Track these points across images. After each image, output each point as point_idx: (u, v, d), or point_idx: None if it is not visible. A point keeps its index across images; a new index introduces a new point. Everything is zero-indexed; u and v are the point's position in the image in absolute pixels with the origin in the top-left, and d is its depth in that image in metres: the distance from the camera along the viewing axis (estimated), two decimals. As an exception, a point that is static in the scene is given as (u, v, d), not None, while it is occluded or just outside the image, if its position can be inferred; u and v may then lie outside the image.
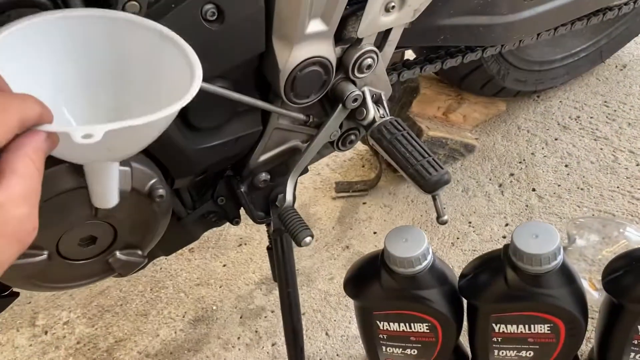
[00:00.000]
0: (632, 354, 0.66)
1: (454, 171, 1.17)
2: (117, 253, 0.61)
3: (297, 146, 0.73)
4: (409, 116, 1.15)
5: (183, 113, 0.59)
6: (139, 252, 0.63)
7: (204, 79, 0.57)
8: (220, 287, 1.07)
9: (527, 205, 1.06)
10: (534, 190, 1.08)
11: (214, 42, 0.56)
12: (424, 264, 0.65)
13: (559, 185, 1.07)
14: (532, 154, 1.15)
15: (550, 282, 0.62)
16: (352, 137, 0.75)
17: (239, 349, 0.96)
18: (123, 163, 0.55)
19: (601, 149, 1.12)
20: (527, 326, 0.65)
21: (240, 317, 1.01)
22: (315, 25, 0.59)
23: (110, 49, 0.49)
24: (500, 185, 1.11)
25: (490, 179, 1.13)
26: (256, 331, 0.98)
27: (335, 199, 1.20)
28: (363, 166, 1.27)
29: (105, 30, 0.48)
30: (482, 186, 1.12)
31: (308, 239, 0.67)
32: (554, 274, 0.61)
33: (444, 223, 0.68)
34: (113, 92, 0.50)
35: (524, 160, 1.15)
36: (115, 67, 0.49)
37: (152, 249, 0.71)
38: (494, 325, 0.67)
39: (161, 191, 0.58)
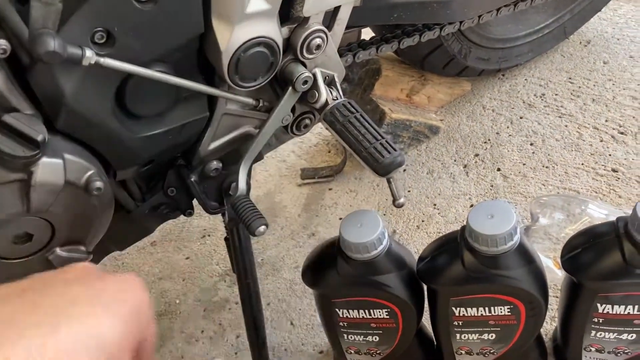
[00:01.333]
0: (593, 332, 0.65)
1: (418, 153, 1.15)
2: (57, 250, 0.58)
3: (249, 132, 0.71)
4: (371, 99, 1.13)
5: (120, 99, 0.56)
6: (82, 248, 0.60)
7: (141, 63, 0.55)
8: (184, 280, 1.05)
9: (492, 186, 1.04)
10: (499, 170, 1.07)
11: (148, 23, 0.52)
12: (380, 248, 0.63)
13: (524, 164, 1.06)
14: (497, 133, 1.14)
15: (507, 262, 0.60)
16: (307, 121, 0.73)
17: (203, 343, 0.93)
18: (54, 155, 0.52)
19: (566, 126, 1.12)
20: (486, 309, 0.64)
21: (204, 310, 0.98)
22: (257, 4, 0.57)
23: None
24: (465, 166, 1.10)
25: (455, 160, 1.12)
26: (220, 324, 0.96)
27: (301, 185, 1.18)
28: (329, 152, 1.25)
29: None
30: (447, 167, 1.11)
31: (262, 228, 0.65)
32: (511, 254, 0.60)
33: (400, 206, 0.66)
34: None
35: (489, 140, 1.13)
36: None
37: (104, 243, 0.68)
38: (453, 309, 0.65)
39: (99, 184, 0.55)
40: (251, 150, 0.68)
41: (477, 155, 1.11)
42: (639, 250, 0.57)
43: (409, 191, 1.09)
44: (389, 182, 0.65)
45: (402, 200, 0.66)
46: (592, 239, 0.62)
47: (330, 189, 1.15)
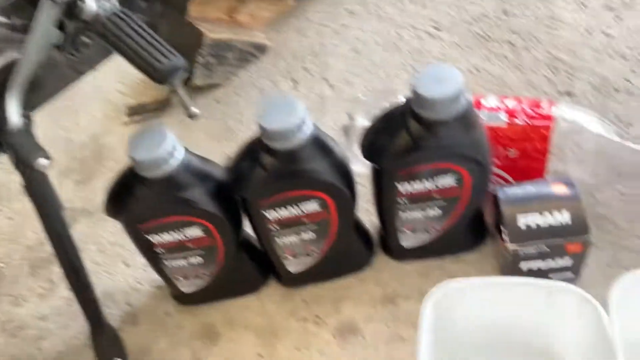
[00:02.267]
0: (401, 214, 0.67)
1: (250, 74, 1.12)
2: None
3: (17, 59, 0.63)
4: (188, 21, 1.06)
5: None
6: None
7: None
8: (8, 242, 0.96)
9: (320, 97, 1.04)
10: (325, 80, 1.06)
11: None
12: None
13: (348, 72, 1.06)
14: (323, 45, 1.13)
15: (303, 157, 0.60)
16: (85, 39, 0.66)
17: (32, 302, 0.87)
18: None
19: (387, 29, 1.13)
20: (297, 207, 0.64)
21: (31, 268, 0.91)
22: None
23: None
24: (293, 81, 1.08)
25: (284, 77, 1.09)
26: (50, 279, 0.89)
27: (128, 124, 1.10)
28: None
29: None
30: (277, 85, 1.08)
31: (41, 160, 0.58)
32: (305, 148, 0.59)
33: (193, 116, 0.62)
34: None
35: (315, 52, 1.12)
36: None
37: None
38: (266, 214, 0.64)
39: None
40: (17, 78, 0.61)
41: (305, 68, 1.10)
42: (422, 124, 0.58)
43: (242, 114, 1.06)
44: (174, 91, 0.61)
45: (194, 109, 0.62)
46: (384, 123, 0.63)
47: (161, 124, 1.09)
